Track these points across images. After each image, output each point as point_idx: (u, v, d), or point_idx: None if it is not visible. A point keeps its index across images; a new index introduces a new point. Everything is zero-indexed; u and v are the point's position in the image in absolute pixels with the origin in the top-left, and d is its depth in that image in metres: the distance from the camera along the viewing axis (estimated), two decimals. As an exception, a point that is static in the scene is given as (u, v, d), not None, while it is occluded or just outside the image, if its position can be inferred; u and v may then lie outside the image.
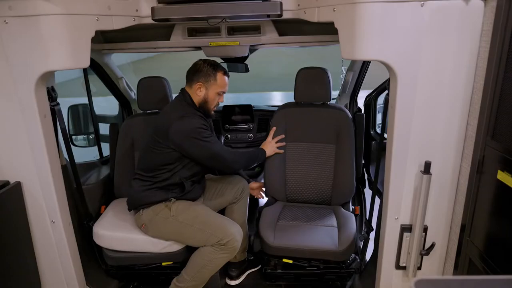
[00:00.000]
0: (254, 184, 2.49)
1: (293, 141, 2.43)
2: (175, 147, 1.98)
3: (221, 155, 2.07)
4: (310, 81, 2.36)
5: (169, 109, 2.10)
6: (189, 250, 2.06)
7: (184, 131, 1.96)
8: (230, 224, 2.03)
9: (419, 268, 1.78)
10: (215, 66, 2.06)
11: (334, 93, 2.74)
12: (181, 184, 2.05)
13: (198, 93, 2.06)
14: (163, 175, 2.03)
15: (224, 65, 2.82)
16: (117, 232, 2.07)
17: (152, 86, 2.41)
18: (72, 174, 2.05)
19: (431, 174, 1.58)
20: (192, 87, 2.07)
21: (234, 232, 1.98)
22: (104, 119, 3.07)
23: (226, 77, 2.10)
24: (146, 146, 2.11)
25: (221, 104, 2.48)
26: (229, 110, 2.93)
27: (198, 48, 2.35)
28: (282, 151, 2.39)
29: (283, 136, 2.40)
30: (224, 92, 2.12)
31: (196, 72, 2.06)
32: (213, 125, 2.24)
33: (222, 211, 2.34)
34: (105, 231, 2.07)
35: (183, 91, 2.11)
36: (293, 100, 2.48)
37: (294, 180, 2.42)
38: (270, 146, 2.36)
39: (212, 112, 2.15)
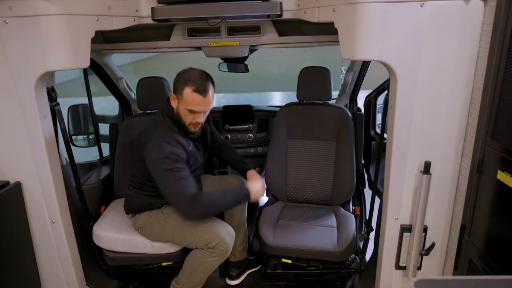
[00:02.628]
0: (255, 184, 2.06)
1: (294, 138, 2.45)
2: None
3: (176, 195, 1.79)
4: (312, 80, 2.38)
5: (150, 124, 1.94)
6: (188, 250, 2.06)
7: (151, 156, 1.79)
8: (219, 226, 1.96)
9: (419, 268, 1.78)
10: (186, 80, 1.78)
11: (334, 93, 2.75)
12: None
13: (172, 104, 1.88)
14: (154, 188, 1.94)
15: (224, 65, 2.83)
16: (116, 233, 2.06)
17: (152, 86, 2.41)
18: (72, 174, 2.05)
19: (431, 174, 1.58)
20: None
21: (223, 235, 1.92)
22: (104, 119, 3.08)
23: (197, 95, 1.76)
24: (133, 160, 2.04)
25: (221, 104, 2.46)
26: (229, 110, 2.93)
27: (198, 48, 2.36)
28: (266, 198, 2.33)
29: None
30: (195, 111, 1.81)
31: (174, 81, 1.86)
32: (214, 126, 2.19)
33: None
34: (105, 232, 2.06)
35: (168, 99, 1.92)
36: (292, 101, 2.50)
37: (295, 178, 2.43)
38: (255, 186, 2.00)
39: (191, 129, 1.89)
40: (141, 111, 2.52)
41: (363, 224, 2.58)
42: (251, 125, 2.95)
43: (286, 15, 1.87)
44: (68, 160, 2.03)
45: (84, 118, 2.82)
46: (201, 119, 1.86)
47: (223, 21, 2.07)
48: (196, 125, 1.89)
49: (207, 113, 1.91)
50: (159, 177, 1.80)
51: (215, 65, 2.85)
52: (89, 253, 2.20)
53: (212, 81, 1.85)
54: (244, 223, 2.35)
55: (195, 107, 1.80)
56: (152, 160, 1.80)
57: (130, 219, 2.13)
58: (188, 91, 1.77)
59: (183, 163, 1.82)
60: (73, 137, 2.77)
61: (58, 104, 1.83)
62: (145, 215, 2.03)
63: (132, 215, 2.10)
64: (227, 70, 2.86)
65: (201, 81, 1.79)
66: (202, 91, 1.77)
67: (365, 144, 2.70)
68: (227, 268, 2.33)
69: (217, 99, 10.19)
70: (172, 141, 1.82)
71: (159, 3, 1.82)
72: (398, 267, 1.80)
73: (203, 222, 1.96)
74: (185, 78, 1.80)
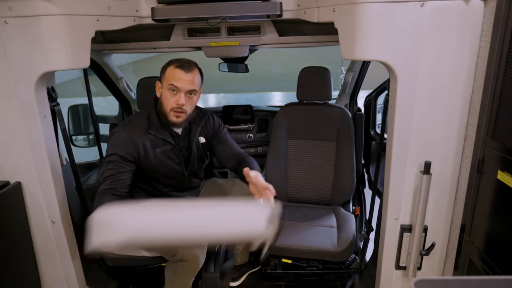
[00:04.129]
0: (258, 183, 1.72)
1: (294, 138, 2.45)
2: None
3: (101, 186, 1.70)
4: (312, 80, 2.39)
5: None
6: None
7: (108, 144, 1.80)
8: None
9: (419, 268, 1.78)
10: (171, 61, 1.81)
11: (334, 93, 2.75)
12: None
13: (157, 93, 1.87)
14: (142, 191, 1.95)
15: (224, 65, 2.83)
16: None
17: (152, 86, 2.40)
18: (72, 174, 2.05)
19: (431, 174, 1.58)
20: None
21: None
22: (104, 119, 3.08)
23: (180, 70, 1.74)
24: None
25: (221, 104, 2.44)
26: (229, 110, 2.93)
27: (198, 48, 2.36)
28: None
29: None
30: (177, 88, 1.74)
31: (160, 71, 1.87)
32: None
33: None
34: None
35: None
36: (292, 101, 2.50)
37: (295, 178, 2.43)
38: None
39: (173, 119, 1.78)
40: (141, 111, 2.52)
41: (363, 224, 2.58)
42: (251, 125, 2.94)
43: (286, 15, 1.87)
44: (68, 160, 2.03)
45: (84, 118, 2.82)
46: (182, 100, 1.75)
47: (223, 21, 2.07)
48: (179, 113, 1.77)
49: (193, 103, 1.82)
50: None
51: (215, 65, 2.85)
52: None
53: (200, 71, 1.85)
54: None
55: (176, 82, 1.73)
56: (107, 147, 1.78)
57: None
58: (171, 68, 1.77)
59: (124, 161, 1.73)
60: (73, 137, 2.77)
61: (58, 104, 1.83)
62: None
63: None
64: (227, 70, 2.87)
65: (187, 61, 1.79)
66: (186, 67, 1.75)
67: (365, 144, 2.70)
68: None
69: (217, 99, 10.21)
70: (130, 134, 1.77)
71: (159, 3, 1.82)
72: (398, 267, 1.80)
73: None
74: (170, 60, 1.82)
